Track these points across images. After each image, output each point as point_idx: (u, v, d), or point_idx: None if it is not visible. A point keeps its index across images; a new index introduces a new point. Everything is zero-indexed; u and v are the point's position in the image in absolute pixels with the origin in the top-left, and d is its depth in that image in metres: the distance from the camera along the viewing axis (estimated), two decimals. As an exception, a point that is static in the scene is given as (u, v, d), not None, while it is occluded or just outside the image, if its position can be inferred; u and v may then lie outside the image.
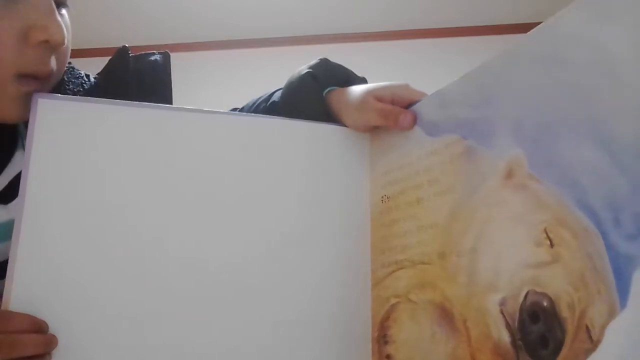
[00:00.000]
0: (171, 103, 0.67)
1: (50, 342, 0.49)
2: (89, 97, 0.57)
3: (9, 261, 0.50)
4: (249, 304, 0.55)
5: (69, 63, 0.65)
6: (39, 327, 0.48)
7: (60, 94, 0.60)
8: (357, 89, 0.62)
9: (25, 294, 0.49)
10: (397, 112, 0.58)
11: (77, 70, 0.66)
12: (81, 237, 0.52)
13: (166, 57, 0.69)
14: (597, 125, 0.38)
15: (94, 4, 2.16)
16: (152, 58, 0.69)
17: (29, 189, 0.51)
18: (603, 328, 0.36)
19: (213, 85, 2.36)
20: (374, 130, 0.63)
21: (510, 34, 2.19)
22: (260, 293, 0.56)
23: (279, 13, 2.25)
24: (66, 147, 0.53)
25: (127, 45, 0.68)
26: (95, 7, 2.18)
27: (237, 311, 0.55)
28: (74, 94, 0.63)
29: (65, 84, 0.63)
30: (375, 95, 0.59)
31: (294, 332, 0.56)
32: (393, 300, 0.56)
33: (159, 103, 0.60)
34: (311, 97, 0.65)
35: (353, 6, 2.20)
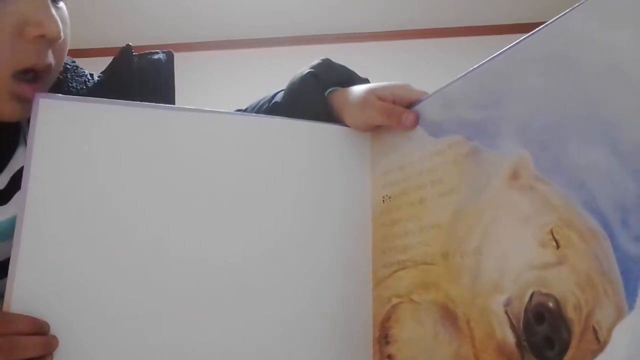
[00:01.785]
0: (173, 102, 0.67)
1: (51, 343, 0.48)
2: (90, 97, 0.57)
3: (11, 261, 0.50)
4: (249, 304, 0.55)
5: (73, 62, 0.65)
6: (39, 328, 0.48)
7: (63, 92, 0.60)
8: (358, 89, 0.62)
9: (27, 294, 0.49)
10: (400, 111, 0.58)
11: (81, 68, 0.66)
12: (82, 238, 0.52)
13: (170, 57, 0.70)
14: (604, 127, 0.38)
15: (94, 4, 2.16)
16: (156, 57, 0.69)
17: (30, 189, 0.51)
18: (610, 329, 0.36)
19: (213, 85, 2.36)
20: (375, 130, 0.63)
21: (510, 34, 2.18)
22: (260, 293, 0.56)
23: (279, 13, 2.25)
24: (67, 147, 0.53)
25: (130, 44, 0.68)
26: (95, 7, 2.18)
27: (237, 311, 0.55)
28: (77, 92, 0.63)
29: (68, 82, 0.63)
30: (377, 95, 0.59)
31: (294, 332, 0.56)
32: (394, 301, 0.56)
33: (161, 102, 0.60)
34: (313, 97, 0.65)
35: (353, 6, 2.20)
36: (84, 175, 0.53)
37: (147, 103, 0.57)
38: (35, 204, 0.51)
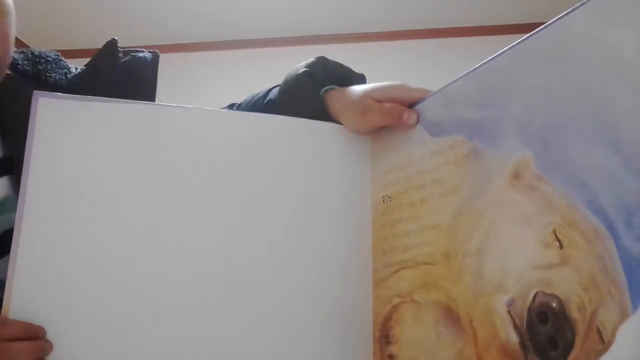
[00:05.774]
0: (154, 101, 0.67)
1: (44, 348, 0.48)
2: (90, 97, 0.56)
3: (10, 263, 0.49)
4: (249, 304, 0.55)
5: (57, 55, 0.66)
6: (34, 334, 0.48)
7: (41, 81, 0.62)
8: (355, 91, 0.61)
9: (25, 298, 0.49)
10: (400, 110, 0.57)
11: (64, 61, 0.67)
12: (81, 238, 0.52)
13: (155, 56, 0.70)
14: (607, 126, 0.38)
15: (93, 4, 2.16)
16: (141, 55, 0.69)
17: (30, 189, 0.51)
18: (614, 330, 0.36)
19: (213, 85, 2.36)
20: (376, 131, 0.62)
21: (510, 34, 2.18)
22: (260, 293, 0.56)
23: (279, 13, 2.25)
24: (67, 146, 0.53)
25: (116, 38, 0.68)
26: (94, 8, 2.18)
27: (238, 311, 0.55)
28: (55, 82, 0.64)
29: (47, 72, 0.64)
30: (374, 97, 0.59)
31: (294, 332, 0.56)
32: (395, 300, 0.56)
33: (142, 99, 0.59)
34: (308, 97, 0.64)
35: (353, 6, 2.20)
36: (83, 173, 0.53)
37: (147, 102, 0.57)
38: (35, 203, 0.51)
